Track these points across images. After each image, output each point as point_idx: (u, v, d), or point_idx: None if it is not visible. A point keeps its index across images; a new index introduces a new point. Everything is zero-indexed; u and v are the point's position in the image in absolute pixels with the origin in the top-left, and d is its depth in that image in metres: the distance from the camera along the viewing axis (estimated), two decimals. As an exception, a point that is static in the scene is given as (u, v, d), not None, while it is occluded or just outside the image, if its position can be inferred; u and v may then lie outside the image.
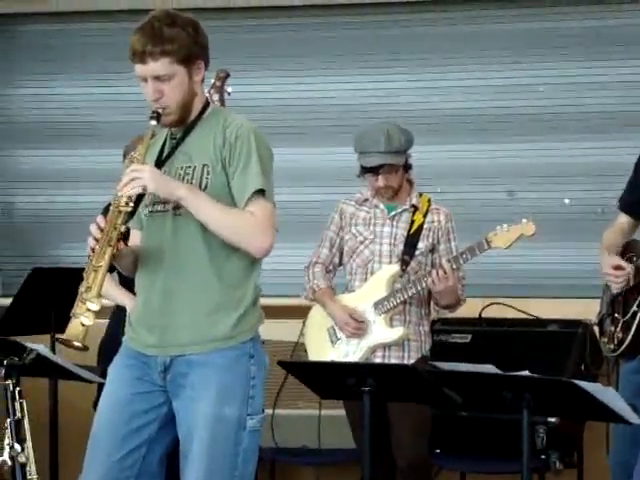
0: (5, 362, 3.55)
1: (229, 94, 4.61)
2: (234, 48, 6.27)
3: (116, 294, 4.49)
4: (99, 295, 3.07)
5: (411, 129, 4.71)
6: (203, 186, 3.20)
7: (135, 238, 3.34)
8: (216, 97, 4.57)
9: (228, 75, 4.61)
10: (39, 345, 3.74)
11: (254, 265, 3.27)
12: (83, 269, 4.78)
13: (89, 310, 3.04)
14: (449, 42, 6.20)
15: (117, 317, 4.34)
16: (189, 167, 3.23)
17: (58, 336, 3.12)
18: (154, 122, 3.19)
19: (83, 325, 3.04)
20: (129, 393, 3.27)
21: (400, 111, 5.95)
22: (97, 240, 3.10)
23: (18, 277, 6.05)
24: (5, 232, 6.30)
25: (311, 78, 6.33)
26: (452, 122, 6.15)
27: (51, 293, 4.89)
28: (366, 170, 4.57)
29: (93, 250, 3.11)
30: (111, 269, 4.38)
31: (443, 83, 6.19)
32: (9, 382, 3.52)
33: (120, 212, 3.12)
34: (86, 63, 6.43)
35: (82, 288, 3.09)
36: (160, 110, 3.18)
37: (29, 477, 3.32)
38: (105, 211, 4.65)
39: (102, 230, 3.11)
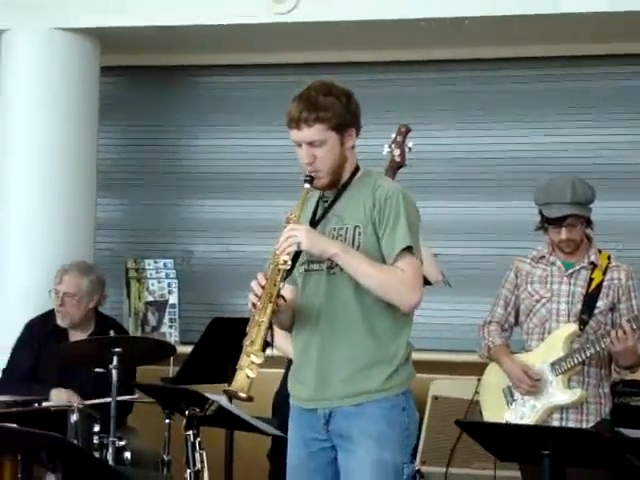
0: (187, 413, 3.59)
1: (410, 149, 4.60)
2: (413, 101, 6.31)
3: (287, 348, 4.51)
4: (261, 349, 3.22)
5: (591, 184, 4.61)
6: (355, 246, 3.33)
7: (287, 293, 3.44)
8: (397, 152, 4.57)
9: (409, 130, 4.61)
10: (220, 397, 3.80)
11: (405, 321, 3.38)
12: (260, 320, 4.87)
13: (253, 363, 3.19)
14: (623, 96, 6.09)
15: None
16: (341, 228, 3.37)
17: (225, 388, 3.24)
18: (307, 185, 3.36)
19: (248, 377, 3.18)
20: (305, 453, 3.41)
21: (579, 165, 5.85)
22: (258, 296, 3.25)
23: (195, 324, 6.18)
24: (184, 280, 6.41)
25: (487, 131, 6.30)
26: (634, 177, 6.02)
27: (229, 343, 4.93)
28: (549, 222, 4.47)
29: (254, 305, 3.26)
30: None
31: (619, 138, 6.09)
32: (190, 433, 3.56)
33: (279, 270, 3.25)
34: (265, 115, 6.53)
35: (246, 342, 3.24)
36: (313, 174, 3.34)
37: (207, 528, 3.34)
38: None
39: (263, 287, 3.24)
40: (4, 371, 5.24)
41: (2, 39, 6.05)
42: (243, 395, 3.18)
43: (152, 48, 6.42)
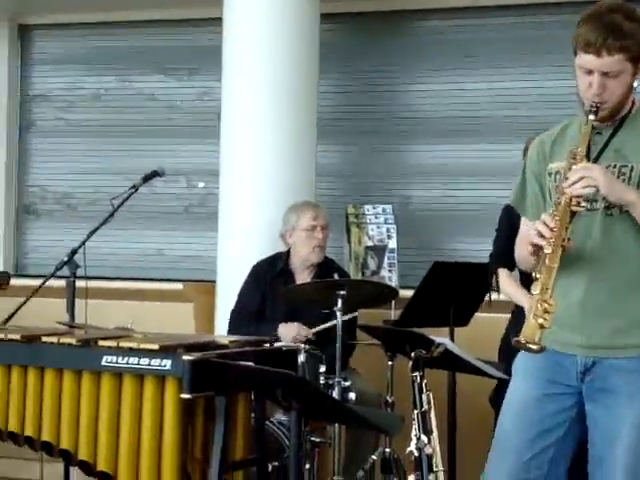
0: (413, 354, 3.62)
1: (634, 88, 4.48)
2: None
3: (514, 292, 4.51)
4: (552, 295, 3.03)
5: None
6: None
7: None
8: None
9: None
10: (445, 339, 3.82)
11: None
12: (482, 264, 4.88)
13: (547, 312, 2.99)
14: None
15: (518, 315, 4.34)
16: (624, 166, 3.17)
17: (515, 339, 3.04)
18: (592, 116, 3.15)
19: (542, 327, 2.99)
20: (541, 394, 3.28)
21: None
22: (544, 238, 3.06)
23: (414, 269, 6.23)
24: (402, 224, 6.44)
25: None
26: None
27: (450, 287, 4.97)
28: None
29: (535, 246, 3.09)
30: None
31: None
32: (416, 374, 3.59)
33: (571, 211, 3.08)
34: (487, 58, 6.49)
35: (536, 289, 3.04)
36: (599, 105, 3.13)
37: (435, 469, 3.37)
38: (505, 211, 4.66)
39: (551, 229, 3.06)
40: (233, 312, 5.43)
41: (223, -11, 6.19)
42: (534, 346, 2.99)
43: (372, -7, 6.46)
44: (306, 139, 6.14)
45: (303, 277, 5.39)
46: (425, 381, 3.66)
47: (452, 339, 4.81)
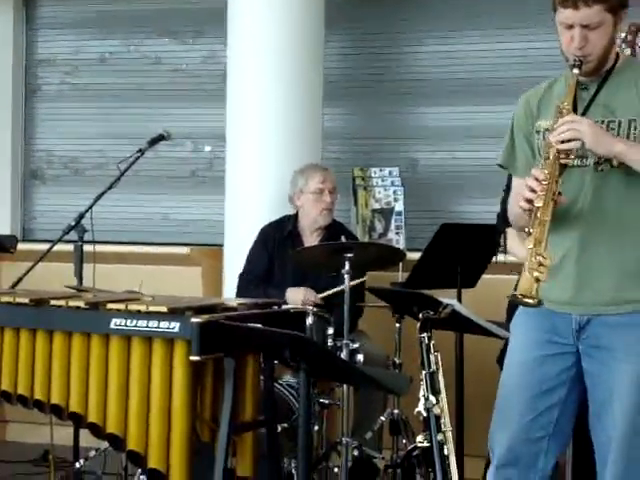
0: (421, 315, 3.61)
1: (640, 48, 4.47)
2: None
3: (520, 251, 4.50)
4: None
5: None
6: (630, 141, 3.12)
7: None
8: (627, 51, 4.44)
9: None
10: (453, 300, 3.82)
11: None
12: (489, 226, 4.88)
13: (541, 265, 2.99)
14: None
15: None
16: (612, 121, 3.16)
17: (511, 293, 3.05)
18: (576, 70, 3.15)
19: (538, 280, 2.99)
20: (539, 355, 3.28)
21: None
22: (534, 192, 3.06)
23: (421, 231, 6.23)
24: (409, 187, 6.43)
25: None
26: None
27: (458, 248, 4.97)
28: None
29: (528, 201, 3.08)
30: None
31: None
32: (424, 335, 3.59)
33: (560, 165, 3.08)
34: (492, 18, 6.45)
35: (530, 243, 3.04)
36: (582, 58, 3.14)
37: (443, 429, 3.38)
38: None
39: (540, 182, 3.06)
40: (241, 275, 5.44)
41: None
42: (530, 300, 3.00)
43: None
44: (312, 102, 6.11)
45: (311, 240, 5.40)
46: (433, 342, 3.66)
47: (459, 300, 4.82)
